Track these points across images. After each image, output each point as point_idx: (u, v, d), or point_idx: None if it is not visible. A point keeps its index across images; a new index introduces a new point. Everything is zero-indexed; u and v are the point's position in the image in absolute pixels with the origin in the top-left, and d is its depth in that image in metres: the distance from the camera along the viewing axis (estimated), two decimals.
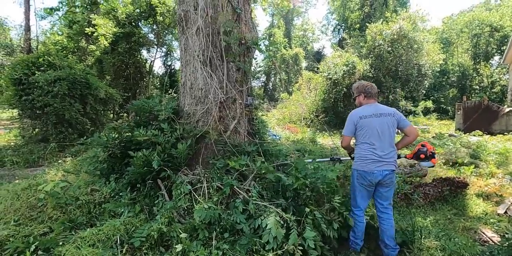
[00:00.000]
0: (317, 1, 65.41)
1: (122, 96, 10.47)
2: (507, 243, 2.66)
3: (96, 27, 12.90)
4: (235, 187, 2.59)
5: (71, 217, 2.44)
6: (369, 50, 13.59)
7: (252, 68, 3.72)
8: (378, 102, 2.73)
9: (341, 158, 3.32)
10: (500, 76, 20.45)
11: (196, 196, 2.50)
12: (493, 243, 2.81)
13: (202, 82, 3.13)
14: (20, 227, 2.42)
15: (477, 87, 21.43)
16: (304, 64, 23.45)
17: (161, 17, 14.09)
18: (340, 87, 13.08)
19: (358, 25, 22.14)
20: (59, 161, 4.32)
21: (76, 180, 2.96)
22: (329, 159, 3.35)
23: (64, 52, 14.36)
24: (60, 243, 2.16)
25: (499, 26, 21.37)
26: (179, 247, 2.06)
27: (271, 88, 25.25)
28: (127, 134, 3.21)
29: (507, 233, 2.92)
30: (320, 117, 13.67)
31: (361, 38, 16.25)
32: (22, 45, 18.46)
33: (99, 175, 2.97)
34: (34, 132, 7.93)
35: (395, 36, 12.94)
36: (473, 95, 20.18)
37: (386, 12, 19.64)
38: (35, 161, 6.48)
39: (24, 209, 2.66)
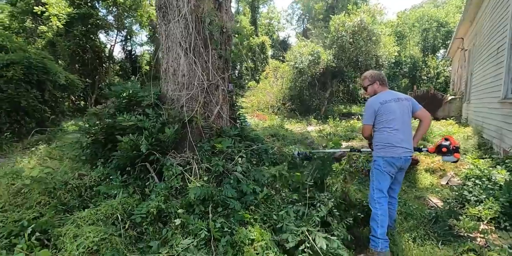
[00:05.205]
0: None
1: (84, 83, 9.86)
2: (448, 206, 3.25)
3: (46, 6, 11.78)
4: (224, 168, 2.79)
5: (62, 201, 2.47)
6: (333, 41, 14.19)
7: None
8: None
9: (361, 149, 3.29)
10: (444, 68, 22.63)
11: (188, 176, 2.66)
12: (438, 207, 3.39)
13: (186, 69, 3.22)
14: (7, 213, 2.39)
15: (425, 77, 23.52)
16: (270, 52, 23.75)
17: None
18: (306, 76, 13.60)
19: (321, 16, 22.81)
20: (32, 149, 4.11)
21: (60, 166, 2.93)
22: (349, 149, 3.37)
23: (7, 32, 12.95)
24: (57, 224, 2.22)
25: (444, 22, 23.47)
26: (178, 221, 2.24)
27: (237, 76, 25.22)
28: (109, 120, 3.21)
29: (447, 199, 3.54)
30: (287, 105, 14.17)
31: (325, 29, 16.86)
32: None
33: (84, 160, 2.98)
34: None
35: (356, 28, 13.65)
36: (421, 85, 22.14)
37: (348, 4, 20.45)
38: None
39: (7, 196, 2.61)
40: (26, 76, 6.75)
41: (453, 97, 11.22)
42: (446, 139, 2.63)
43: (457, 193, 3.52)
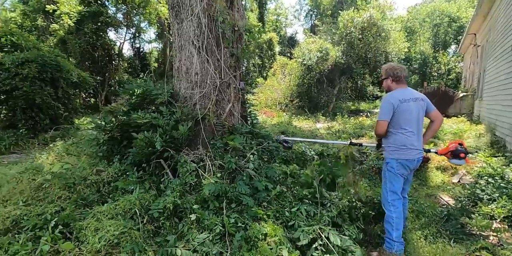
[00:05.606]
0: None
1: (96, 80, 10.03)
2: (460, 204, 3.25)
3: (58, 4, 11.96)
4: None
5: (82, 196, 2.56)
6: (341, 37, 14.07)
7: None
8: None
9: (363, 144, 3.23)
10: (455, 64, 22.24)
11: (202, 173, 2.72)
12: (449, 205, 3.38)
13: (199, 67, 3.26)
14: (30, 207, 2.49)
15: (436, 74, 23.17)
16: (277, 49, 23.66)
17: None
18: (314, 72, 13.55)
19: (330, 11, 22.56)
20: (50, 145, 4.24)
21: (78, 162, 3.03)
22: (348, 143, 3.23)
23: (20, 31, 13.21)
24: (78, 218, 2.30)
25: (456, 17, 22.99)
26: (193, 216, 2.31)
27: (244, 72, 25.26)
28: (124, 117, 3.29)
29: (459, 197, 3.52)
30: (295, 101, 14.14)
31: (333, 25, 16.70)
32: None
33: (101, 157, 3.07)
34: None
35: (365, 24, 13.50)
36: (432, 81, 21.82)
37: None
38: (6, 148, 6.17)
39: (29, 191, 2.71)
40: (41, 74, 6.91)
41: (464, 94, 11.03)
42: (461, 144, 2.60)
43: (469, 191, 3.50)
